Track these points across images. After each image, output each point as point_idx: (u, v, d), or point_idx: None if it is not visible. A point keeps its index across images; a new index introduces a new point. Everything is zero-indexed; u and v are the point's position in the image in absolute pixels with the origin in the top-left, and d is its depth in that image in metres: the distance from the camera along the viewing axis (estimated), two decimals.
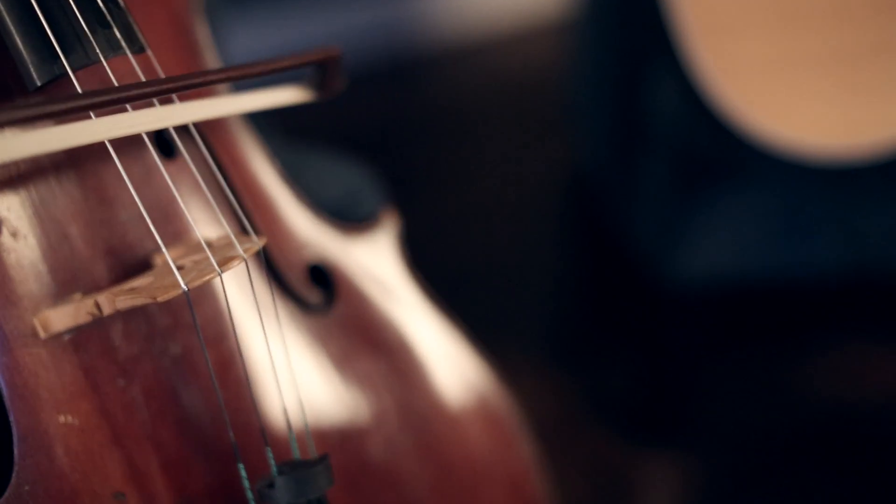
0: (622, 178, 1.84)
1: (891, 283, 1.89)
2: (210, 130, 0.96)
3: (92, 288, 0.88)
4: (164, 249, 0.83)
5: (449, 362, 1.07)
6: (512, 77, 2.60)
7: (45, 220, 0.87)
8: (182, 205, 0.89)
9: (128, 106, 0.84)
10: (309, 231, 1.02)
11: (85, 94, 0.78)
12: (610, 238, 2.06)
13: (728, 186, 1.61)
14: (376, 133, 2.43)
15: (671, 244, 1.66)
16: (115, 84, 0.86)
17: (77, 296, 0.87)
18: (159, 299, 0.82)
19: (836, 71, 1.37)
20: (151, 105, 0.86)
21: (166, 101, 0.88)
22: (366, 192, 1.17)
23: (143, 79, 0.87)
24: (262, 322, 0.93)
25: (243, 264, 0.93)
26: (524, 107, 2.51)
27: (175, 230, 0.92)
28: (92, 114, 0.82)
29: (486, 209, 2.23)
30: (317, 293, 1.01)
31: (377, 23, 2.62)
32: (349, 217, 1.10)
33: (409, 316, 1.06)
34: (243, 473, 0.86)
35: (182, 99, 0.89)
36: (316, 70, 0.95)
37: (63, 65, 0.83)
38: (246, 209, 0.96)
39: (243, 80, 0.88)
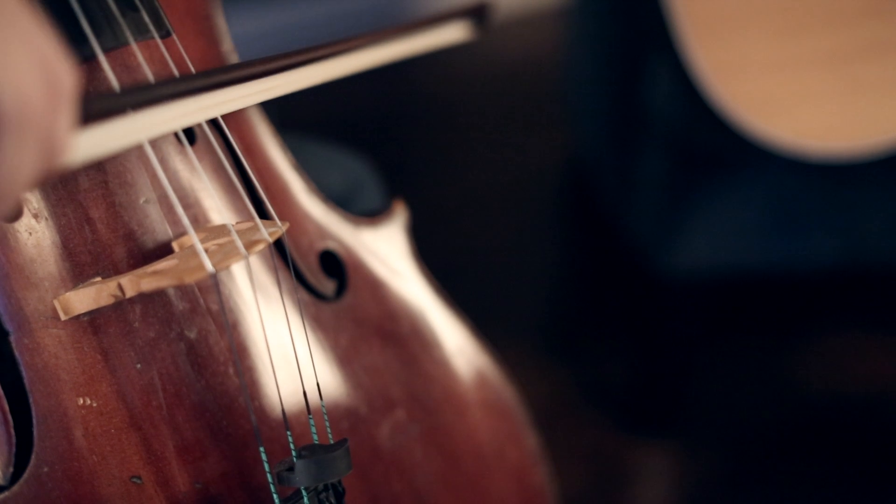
0: (620, 169, 1.85)
1: (884, 275, 1.92)
2: (227, 117, 0.96)
3: (111, 271, 0.89)
4: (191, 231, 0.84)
5: (457, 352, 1.08)
6: (510, 66, 2.61)
7: (66, 203, 0.87)
8: (210, 188, 0.89)
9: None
10: (322, 220, 1.02)
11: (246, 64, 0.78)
12: (608, 229, 2.07)
13: (725, 179, 1.63)
14: (372, 123, 2.43)
15: (668, 235, 1.67)
16: (145, 67, 0.86)
17: (97, 279, 0.88)
18: (186, 281, 0.82)
19: (832, 71, 1.38)
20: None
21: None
22: (366, 186, 1.17)
23: (171, 63, 0.88)
24: (284, 306, 0.94)
25: (263, 251, 0.93)
26: (522, 96, 2.52)
27: (193, 215, 0.92)
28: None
29: (484, 199, 2.24)
30: (328, 282, 1.01)
31: (372, 10, 2.62)
32: (351, 210, 1.11)
33: (417, 309, 1.06)
34: (264, 457, 0.87)
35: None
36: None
37: (93, 46, 0.83)
38: (260, 195, 0.96)
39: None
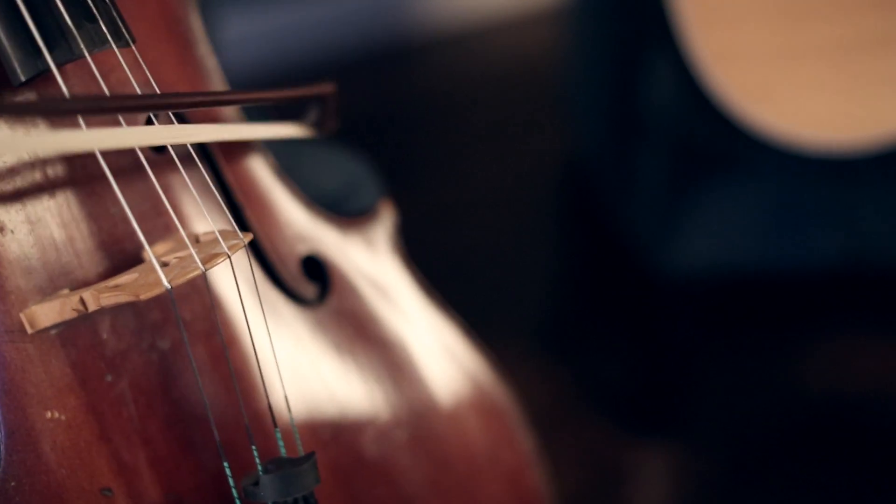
0: (619, 168, 1.83)
1: (886, 274, 1.89)
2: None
3: (81, 283, 0.88)
4: (146, 247, 0.83)
5: (445, 355, 1.06)
6: (508, 65, 2.59)
7: (32, 215, 0.87)
8: (165, 201, 0.88)
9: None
10: (303, 225, 1.01)
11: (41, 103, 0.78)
12: (606, 228, 2.06)
13: (725, 177, 1.61)
14: (370, 122, 2.42)
15: (668, 234, 1.66)
16: (100, 79, 0.85)
17: (65, 291, 0.87)
18: (142, 297, 0.81)
19: (834, 64, 1.36)
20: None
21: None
22: (363, 184, 1.16)
23: (127, 73, 0.87)
24: (246, 318, 0.93)
25: (239, 257, 0.92)
26: (520, 95, 2.50)
27: (166, 223, 0.91)
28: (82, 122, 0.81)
29: (482, 199, 2.23)
30: (311, 286, 1.00)
31: (371, 9, 2.60)
32: (347, 208, 1.09)
33: (404, 309, 1.05)
34: (228, 472, 0.86)
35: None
36: (314, 104, 0.95)
37: (46, 60, 0.82)
38: (238, 203, 0.95)
39: (230, 105, 0.88)
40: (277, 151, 1.03)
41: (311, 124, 0.96)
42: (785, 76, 1.36)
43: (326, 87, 0.94)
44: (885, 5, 1.34)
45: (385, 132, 2.40)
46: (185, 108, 0.86)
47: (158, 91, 0.89)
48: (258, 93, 0.90)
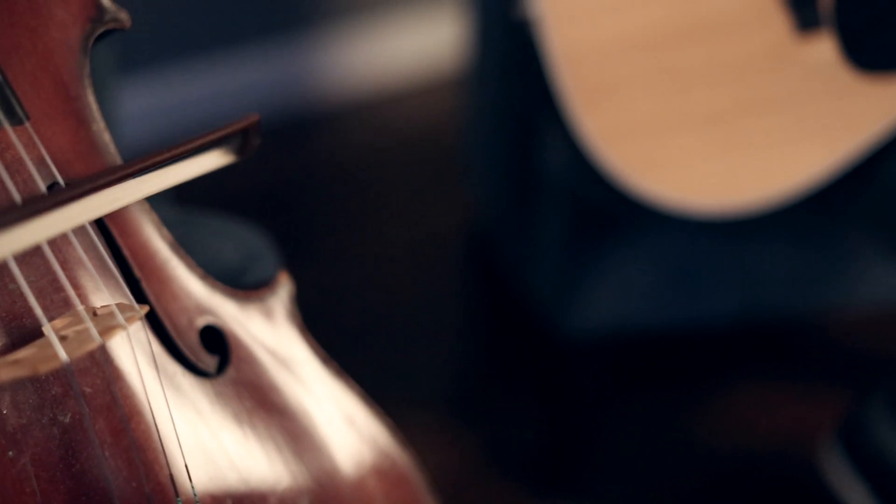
0: (520, 234, 1.86)
1: (782, 328, 1.94)
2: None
3: None
4: (44, 321, 0.83)
5: (346, 423, 1.07)
6: (407, 133, 2.62)
7: None
8: (63, 277, 0.89)
9: None
10: (201, 296, 1.02)
11: None
12: (510, 293, 2.09)
13: (622, 240, 1.64)
14: (270, 193, 2.43)
15: (569, 297, 1.68)
16: None
17: None
18: (41, 370, 0.82)
19: (717, 129, 1.39)
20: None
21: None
22: (261, 256, 1.17)
23: (20, 150, 0.88)
24: (145, 390, 0.93)
25: (138, 330, 0.93)
26: (421, 163, 2.53)
27: (64, 298, 0.92)
28: None
29: (385, 264, 2.25)
30: (210, 358, 1.01)
31: (270, 81, 2.63)
32: (246, 281, 1.10)
33: (303, 378, 1.06)
34: None
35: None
36: (237, 136, 0.96)
37: None
38: (135, 276, 0.96)
39: (169, 162, 0.90)
40: (173, 225, 1.04)
41: (235, 150, 0.97)
42: (669, 144, 1.39)
43: (252, 119, 0.96)
44: (760, 72, 1.38)
45: (286, 203, 2.41)
46: (116, 184, 0.88)
47: (54, 167, 0.90)
48: (188, 143, 0.91)
